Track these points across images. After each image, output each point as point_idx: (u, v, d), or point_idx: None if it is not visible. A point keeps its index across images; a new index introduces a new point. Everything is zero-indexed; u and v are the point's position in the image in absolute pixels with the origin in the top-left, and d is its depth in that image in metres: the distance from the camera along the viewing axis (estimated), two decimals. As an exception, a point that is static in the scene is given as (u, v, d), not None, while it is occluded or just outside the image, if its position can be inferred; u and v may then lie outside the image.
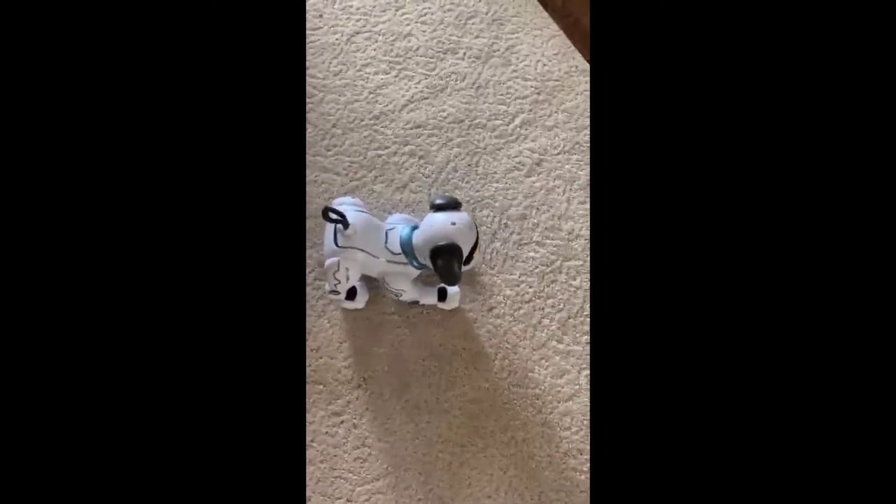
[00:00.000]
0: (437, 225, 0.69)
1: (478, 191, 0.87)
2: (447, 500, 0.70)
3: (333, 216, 0.71)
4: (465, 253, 0.69)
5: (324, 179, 0.87)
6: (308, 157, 0.88)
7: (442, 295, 0.78)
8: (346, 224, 0.71)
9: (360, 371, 0.76)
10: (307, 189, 0.86)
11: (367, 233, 0.72)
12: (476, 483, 0.71)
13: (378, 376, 0.76)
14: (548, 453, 0.72)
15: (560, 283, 0.81)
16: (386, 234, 0.73)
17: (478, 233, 0.71)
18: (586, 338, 0.78)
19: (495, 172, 0.88)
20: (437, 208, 0.72)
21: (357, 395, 0.75)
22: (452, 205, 0.72)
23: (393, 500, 0.70)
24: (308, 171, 0.87)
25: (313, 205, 0.84)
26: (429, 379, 0.76)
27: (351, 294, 0.77)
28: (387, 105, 0.93)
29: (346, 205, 0.77)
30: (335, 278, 0.73)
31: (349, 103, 0.93)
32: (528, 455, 0.72)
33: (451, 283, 0.70)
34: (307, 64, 0.95)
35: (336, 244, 0.72)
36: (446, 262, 0.68)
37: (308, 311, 0.79)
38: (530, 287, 0.81)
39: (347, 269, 0.73)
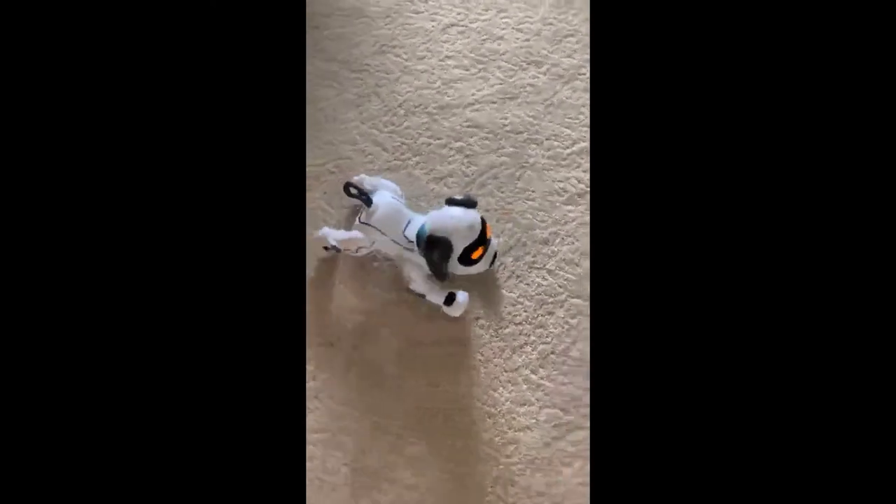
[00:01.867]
0: (440, 216, 0.71)
1: (510, 202, 0.87)
2: (371, 474, 0.72)
3: (353, 191, 0.75)
4: (458, 251, 0.70)
5: (371, 152, 0.92)
6: (365, 128, 0.94)
7: (449, 299, 0.76)
8: (368, 202, 0.75)
9: (335, 331, 0.81)
10: (353, 157, 0.92)
11: (388, 216, 0.75)
12: (403, 471, 0.72)
13: (348, 341, 0.80)
14: (480, 472, 0.72)
15: (557, 317, 0.79)
16: (409, 221, 0.76)
17: (486, 238, 0.71)
18: (562, 378, 0.76)
19: (534, 191, 0.88)
20: (451, 202, 0.73)
21: (323, 351, 0.79)
22: (466, 202, 0.73)
23: (321, 455, 0.74)
24: (360, 141, 0.93)
25: (356, 172, 0.90)
26: (394, 362, 0.78)
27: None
28: (454, 98, 0.95)
29: (382, 187, 0.80)
30: (351, 249, 0.77)
31: (421, 88, 0.97)
32: (460, 465, 0.72)
33: (438, 278, 0.71)
34: (395, 43, 1.01)
35: (358, 219, 0.76)
36: (430, 253, 0.69)
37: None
38: (525, 311, 0.80)
39: (361, 248, 0.76)
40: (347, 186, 0.75)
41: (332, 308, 0.81)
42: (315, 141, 0.93)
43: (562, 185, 0.88)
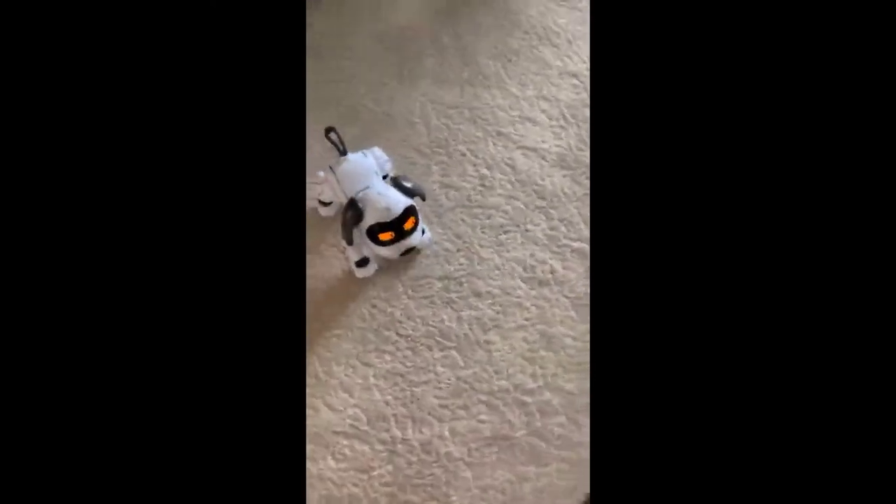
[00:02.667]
0: (372, 188, 0.75)
1: (482, 245, 0.84)
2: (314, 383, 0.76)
3: (333, 137, 0.80)
4: (367, 223, 0.73)
5: (416, 126, 0.95)
6: (429, 105, 0.97)
7: (362, 262, 0.81)
8: (343, 153, 0.80)
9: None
10: (398, 125, 0.95)
11: (352, 171, 0.79)
12: (340, 390, 0.76)
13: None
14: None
15: (424, 357, 0.76)
16: (368, 186, 0.77)
17: (401, 226, 0.72)
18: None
19: (508, 252, 0.83)
20: (395, 181, 0.76)
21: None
22: (406, 189, 0.75)
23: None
24: (417, 112, 0.96)
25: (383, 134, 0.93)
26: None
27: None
28: (514, 133, 0.94)
29: (370, 152, 0.83)
30: (319, 189, 0.83)
31: (495, 108, 0.96)
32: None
33: (343, 237, 0.76)
34: (511, 56, 1.01)
35: (330, 165, 0.81)
36: (345, 212, 0.75)
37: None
38: (408, 330, 0.79)
39: (325, 190, 0.82)
40: (329, 130, 0.80)
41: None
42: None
43: (535, 265, 0.83)
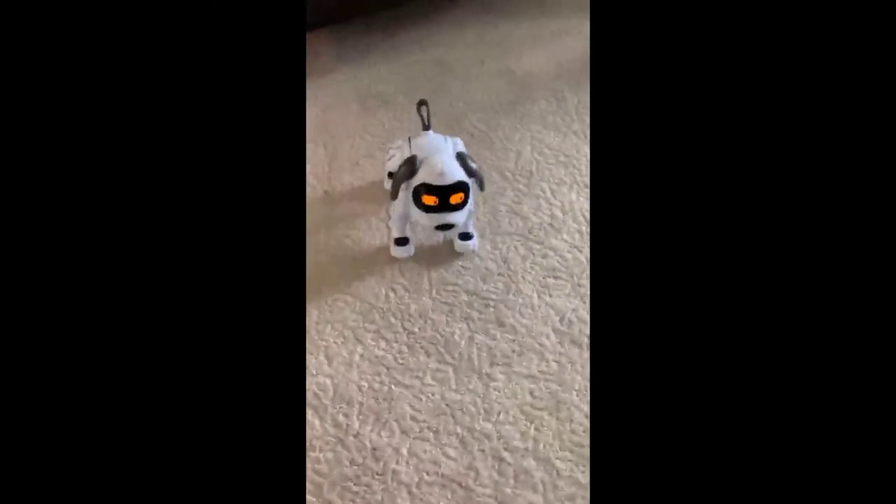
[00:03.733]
0: (437, 151, 0.75)
1: (531, 291, 0.76)
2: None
3: (423, 111, 0.83)
4: (416, 181, 0.71)
5: (498, 159, 0.93)
6: (511, 145, 0.96)
7: (401, 241, 0.80)
8: (424, 126, 0.84)
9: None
10: (495, 151, 0.95)
11: (427, 145, 0.80)
12: (321, 353, 0.73)
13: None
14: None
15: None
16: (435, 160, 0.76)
17: (447, 199, 0.70)
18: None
19: (563, 311, 0.75)
20: (459, 156, 0.73)
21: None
22: (468, 168, 0.72)
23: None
24: (508, 147, 0.95)
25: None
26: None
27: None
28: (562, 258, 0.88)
29: (458, 141, 0.84)
30: (390, 156, 0.85)
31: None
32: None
33: (391, 190, 0.75)
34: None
35: (409, 136, 0.83)
36: (400, 167, 0.73)
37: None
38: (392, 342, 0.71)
39: (396, 156, 0.82)
40: (421, 104, 0.83)
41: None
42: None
43: (574, 321, 0.73)
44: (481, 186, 0.76)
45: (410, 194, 0.72)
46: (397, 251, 0.79)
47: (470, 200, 0.73)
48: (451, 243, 0.81)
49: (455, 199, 0.71)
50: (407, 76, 1.10)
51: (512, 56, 1.14)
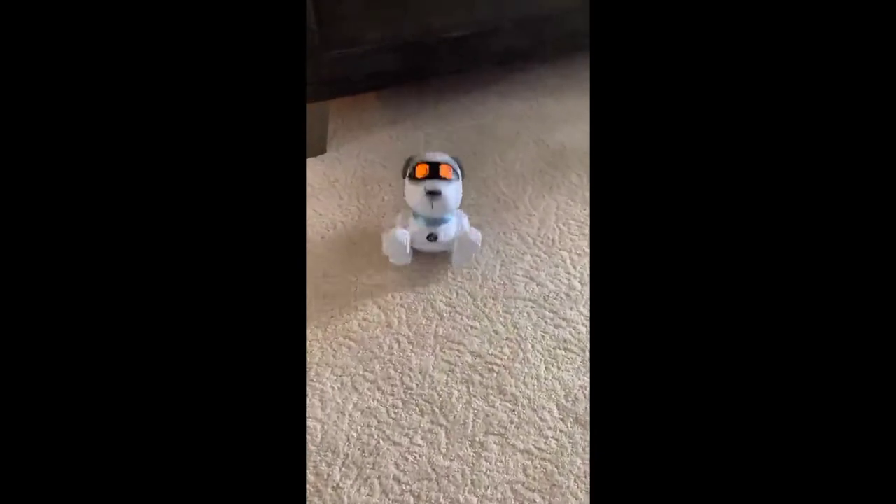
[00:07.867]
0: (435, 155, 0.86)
1: (538, 361, 0.74)
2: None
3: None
4: (414, 162, 0.84)
5: (520, 224, 0.94)
6: (535, 212, 0.96)
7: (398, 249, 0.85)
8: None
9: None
10: (518, 216, 0.96)
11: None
12: (315, 396, 0.74)
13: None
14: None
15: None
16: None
17: (437, 170, 0.81)
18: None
19: (570, 387, 0.72)
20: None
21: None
22: (459, 164, 0.86)
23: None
24: (531, 213, 0.96)
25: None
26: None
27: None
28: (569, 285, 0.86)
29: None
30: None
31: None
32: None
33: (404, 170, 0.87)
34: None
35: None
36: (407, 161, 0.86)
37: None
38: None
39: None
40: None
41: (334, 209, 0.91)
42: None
43: (580, 399, 0.69)
44: (461, 174, 0.86)
45: (407, 180, 0.83)
46: (396, 257, 0.84)
47: (459, 189, 0.83)
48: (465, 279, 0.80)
49: (444, 171, 0.82)
50: (449, 139, 1.15)
51: (547, 130, 1.17)
